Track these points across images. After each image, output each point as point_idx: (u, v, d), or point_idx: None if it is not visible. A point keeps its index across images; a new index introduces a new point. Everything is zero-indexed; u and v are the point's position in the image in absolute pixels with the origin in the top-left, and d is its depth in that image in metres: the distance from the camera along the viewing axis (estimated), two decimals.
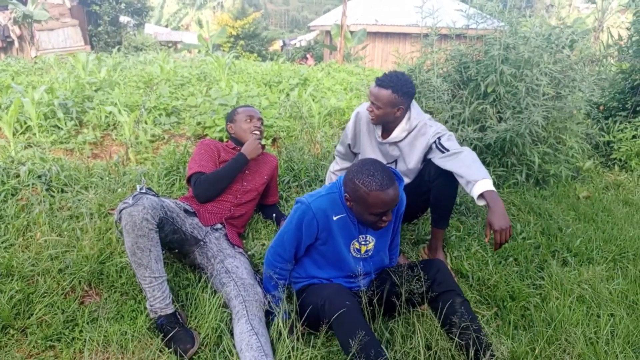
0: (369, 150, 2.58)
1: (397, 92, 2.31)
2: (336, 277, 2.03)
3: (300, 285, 2.08)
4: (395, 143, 2.47)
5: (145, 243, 1.89)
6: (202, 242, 2.27)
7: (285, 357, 1.79)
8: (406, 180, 2.49)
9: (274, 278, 2.02)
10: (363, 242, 1.97)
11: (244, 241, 2.61)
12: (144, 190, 2.01)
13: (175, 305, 2.02)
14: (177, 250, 2.26)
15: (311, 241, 1.96)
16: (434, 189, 2.41)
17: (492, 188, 2.07)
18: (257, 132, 2.60)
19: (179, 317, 1.97)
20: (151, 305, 1.95)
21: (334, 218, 1.89)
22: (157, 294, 1.94)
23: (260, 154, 2.59)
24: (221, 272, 2.12)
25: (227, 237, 2.35)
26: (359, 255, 1.99)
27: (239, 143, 2.64)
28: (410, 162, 2.46)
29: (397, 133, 2.43)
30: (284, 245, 1.98)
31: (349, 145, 2.71)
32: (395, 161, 2.54)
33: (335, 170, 2.91)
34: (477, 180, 2.09)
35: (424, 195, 2.47)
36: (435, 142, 2.34)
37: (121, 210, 1.91)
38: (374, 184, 1.71)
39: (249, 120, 2.62)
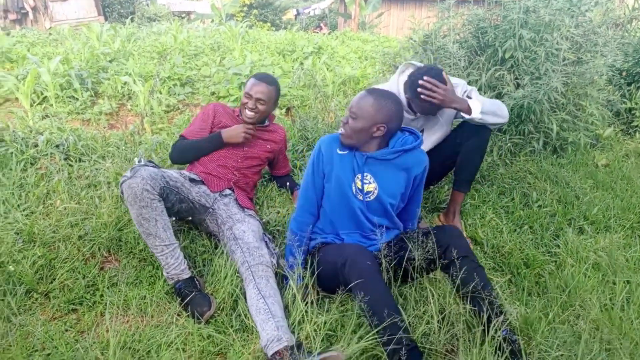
0: None
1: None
2: (349, 232, 2.05)
3: (314, 243, 2.10)
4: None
5: (149, 213, 1.92)
6: (211, 210, 2.29)
7: (299, 321, 1.83)
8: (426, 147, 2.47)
9: (294, 238, 2.07)
10: (366, 182, 1.98)
11: (258, 207, 2.64)
12: (142, 163, 2.04)
13: (192, 271, 2.07)
14: (190, 219, 2.29)
15: (321, 180, 2.04)
16: (464, 151, 2.41)
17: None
18: (250, 114, 2.44)
19: (196, 282, 2.01)
20: (167, 273, 2.00)
21: (338, 152, 2.00)
22: (170, 261, 1.98)
23: (246, 141, 2.46)
24: (230, 239, 2.15)
25: (237, 201, 2.36)
26: (361, 197, 1.99)
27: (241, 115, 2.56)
28: (436, 131, 2.46)
29: None
30: (306, 194, 2.08)
31: None
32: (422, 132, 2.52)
33: None
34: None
35: (449, 159, 2.49)
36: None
37: (122, 184, 1.93)
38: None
39: (247, 97, 2.44)
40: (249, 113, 2.44)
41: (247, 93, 2.42)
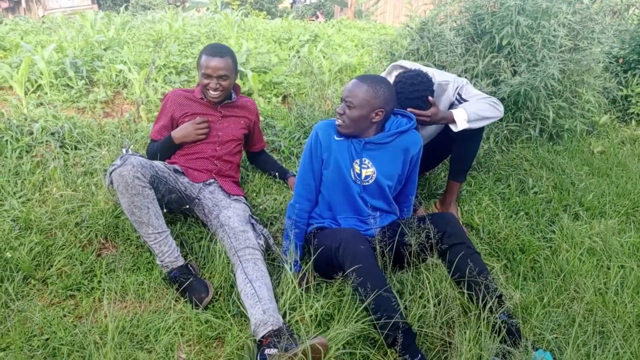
0: None
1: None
2: (346, 217, 2.06)
3: (310, 229, 2.11)
4: None
5: (141, 201, 1.89)
6: (197, 200, 2.27)
7: (295, 307, 1.83)
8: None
9: (291, 223, 2.08)
10: (364, 166, 2.00)
11: (254, 194, 2.64)
12: (130, 153, 2.01)
13: (190, 258, 2.07)
14: (180, 211, 2.27)
15: (319, 167, 2.04)
16: (459, 142, 2.42)
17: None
18: (215, 94, 2.27)
19: (191, 268, 2.01)
20: (162, 261, 1.98)
21: (336, 138, 2.00)
22: (164, 249, 1.96)
23: (203, 136, 2.33)
24: (217, 227, 2.14)
25: (222, 188, 2.33)
26: (359, 182, 2.01)
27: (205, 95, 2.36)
28: (429, 128, 2.46)
29: None
30: (303, 180, 2.07)
31: None
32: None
33: None
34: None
35: (444, 147, 2.49)
36: (457, 98, 2.35)
37: (111, 173, 1.91)
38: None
39: (207, 77, 2.25)
40: (213, 93, 2.29)
41: (205, 73, 2.24)
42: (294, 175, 2.58)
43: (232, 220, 2.08)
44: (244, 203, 2.31)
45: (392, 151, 2.01)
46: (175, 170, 2.25)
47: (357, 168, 2.00)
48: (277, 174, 2.73)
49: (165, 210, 2.16)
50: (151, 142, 2.45)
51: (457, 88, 2.34)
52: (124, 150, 2.07)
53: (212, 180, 2.34)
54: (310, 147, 2.04)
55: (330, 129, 2.02)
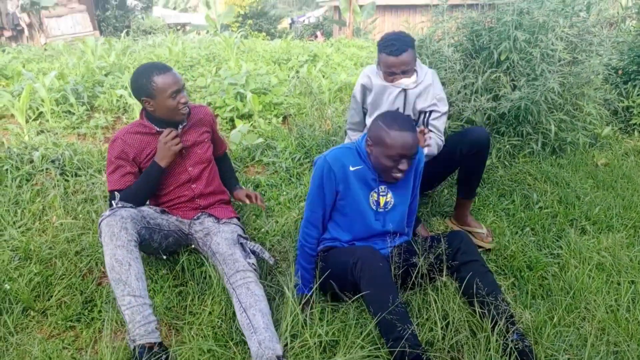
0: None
1: (413, 46, 2.31)
2: (360, 239, 2.04)
3: (322, 246, 2.07)
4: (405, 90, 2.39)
5: (123, 255, 1.72)
6: (190, 236, 2.19)
7: (293, 335, 1.79)
8: None
9: (300, 246, 2.04)
10: (382, 194, 1.98)
11: (254, 217, 2.61)
12: (120, 205, 1.89)
13: (168, 345, 1.79)
14: (178, 252, 2.19)
15: (333, 197, 1.98)
16: (465, 166, 2.42)
17: None
18: (185, 109, 2.05)
19: (164, 352, 1.68)
20: (130, 334, 1.67)
21: (351, 169, 1.94)
22: (136, 318, 1.67)
23: (180, 148, 2.09)
24: (211, 255, 2.08)
25: (211, 214, 2.23)
26: (378, 209, 1.99)
27: (163, 123, 2.08)
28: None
29: (410, 82, 2.36)
30: (312, 207, 2.01)
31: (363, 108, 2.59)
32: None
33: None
34: None
35: (448, 167, 2.50)
36: (427, 112, 2.40)
37: (100, 222, 1.80)
38: (395, 124, 1.80)
39: (174, 96, 1.99)
40: (184, 110, 2.06)
41: (173, 90, 1.97)
42: (242, 188, 2.46)
43: (221, 246, 2.01)
44: (234, 224, 2.21)
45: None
46: (163, 212, 2.12)
47: (375, 196, 1.98)
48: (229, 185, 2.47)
49: (165, 257, 2.11)
50: (112, 194, 2.07)
51: (435, 100, 2.38)
52: (113, 203, 1.93)
53: (199, 214, 2.23)
54: (321, 179, 1.95)
55: (344, 159, 1.95)
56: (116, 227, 1.76)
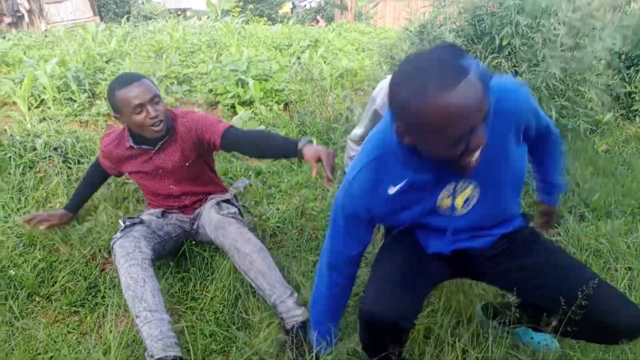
0: None
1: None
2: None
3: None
4: None
5: (138, 273, 1.71)
6: (193, 231, 2.17)
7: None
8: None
9: (317, 293, 1.54)
10: (460, 190, 1.26)
11: (254, 204, 2.63)
12: (128, 224, 1.87)
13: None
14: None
15: (371, 230, 1.39)
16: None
17: None
18: (159, 127, 1.84)
19: None
20: (148, 349, 1.58)
21: (391, 192, 1.24)
22: (154, 333, 1.60)
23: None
24: (211, 237, 2.03)
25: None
26: (454, 213, 1.30)
27: (140, 140, 1.93)
28: None
29: None
30: (335, 252, 1.43)
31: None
32: None
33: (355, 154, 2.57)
34: None
35: None
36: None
37: (113, 245, 1.81)
38: (429, 86, 0.94)
39: (138, 111, 1.78)
40: (157, 127, 1.83)
41: (135, 105, 1.76)
42: (311, 141, 1.78)
43: (203, 219, 2.05)
44: (217, 197, 2.13)
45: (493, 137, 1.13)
46: (163, 213, 2.10)
47: (446, 201, 1.27)
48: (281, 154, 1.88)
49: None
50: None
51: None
52: (121, 223, 1.88)
53: (197, 210, 2.16)
54: (347, 222, 1.34)
55: (377, 181, 1.25)
56: (129, 247, 1.78)
